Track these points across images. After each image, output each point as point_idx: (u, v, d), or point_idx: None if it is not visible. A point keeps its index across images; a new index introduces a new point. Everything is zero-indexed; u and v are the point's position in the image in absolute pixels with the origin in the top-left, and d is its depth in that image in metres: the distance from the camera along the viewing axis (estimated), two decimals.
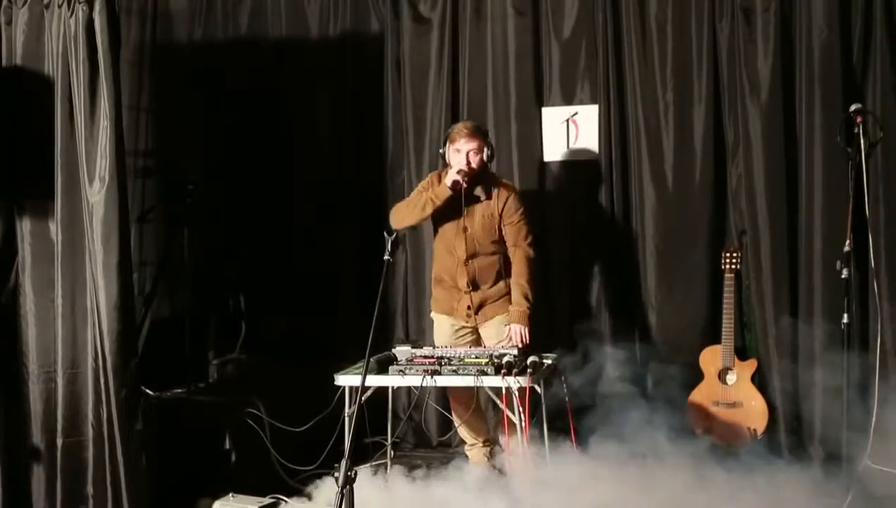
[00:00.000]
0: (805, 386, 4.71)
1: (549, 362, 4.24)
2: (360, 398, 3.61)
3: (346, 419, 4.06)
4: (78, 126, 3.86)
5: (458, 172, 4.36)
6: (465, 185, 4.35)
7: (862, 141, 4.29)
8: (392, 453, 4.70)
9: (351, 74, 5.62)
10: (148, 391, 4.58)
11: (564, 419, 4.21)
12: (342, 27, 5.58)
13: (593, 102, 5.17)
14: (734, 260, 4.78)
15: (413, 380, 4.00)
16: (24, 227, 4.03)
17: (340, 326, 5.48)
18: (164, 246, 5.47)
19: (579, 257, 5.23)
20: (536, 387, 3.98)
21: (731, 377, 4.77)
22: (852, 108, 4.34)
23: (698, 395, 4.81)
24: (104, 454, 3.88)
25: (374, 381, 4.04)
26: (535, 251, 4.51)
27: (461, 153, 4.40)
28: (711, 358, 4.80)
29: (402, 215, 4.53)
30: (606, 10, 5.08)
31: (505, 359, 3.98)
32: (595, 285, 5.20)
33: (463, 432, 4.65)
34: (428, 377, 3.96)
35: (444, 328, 4.59)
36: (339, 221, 5.59)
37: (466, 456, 4.65)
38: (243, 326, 5.66)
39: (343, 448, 3.74)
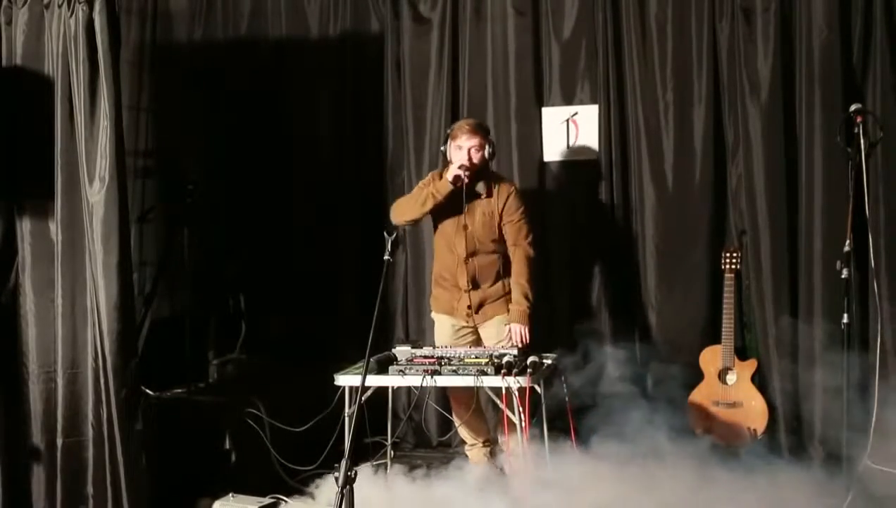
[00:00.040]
0: (805, 386, 4.71)
1: (549, 362, 4.24)
2: (360, 398, 3.61)
3: (346, 419, 4.06)
4: (78, 126, 3.86)
5: (460, 167, 4.35)
6: (466, 180, 4.34)
7: (862, 141, 4.28)
8: (392, 453, 4.69)
9: (351, 74, 5.62)
10: (148, 391, 4.57)
11: (564, 419, 4.20)
12: (342, 27, 5.58)
13: (593, 102, 5.17)
14: (734, 260, 4.77)
15: (413, 380, 3.99)
16: (24, 227, 4.03)
17: (340, 326, 5.48)
18: (164, 246, 5.46)
19: (579, 257, 5.23)
20: (536, 387, 3.97)
21: (731, 377, 4.77)
22: (852, 108, 4.33)
23: (698, 395, 4.80)
24: (104, 454, 3.88)
25: (374, 381, 4.04)
26: (535, 251, 4.50)
27: (463, 150, 4.39)
28: (711, 358, 4.80)
29: (403, 210, 4.53)
30: (606, 10, 5.08)
31: (505, 359, 3.97)
32: (595, 285, 5.20)
33: (463, 432, 4.65)
34: (428, 377, 3.95)
35: (444, 328, 4.59)
36: (339, 221, 5.59)
37: (466, 456, 4.65)
38: (243, 326, 5.66)
39: (343, 448, 3.73)
